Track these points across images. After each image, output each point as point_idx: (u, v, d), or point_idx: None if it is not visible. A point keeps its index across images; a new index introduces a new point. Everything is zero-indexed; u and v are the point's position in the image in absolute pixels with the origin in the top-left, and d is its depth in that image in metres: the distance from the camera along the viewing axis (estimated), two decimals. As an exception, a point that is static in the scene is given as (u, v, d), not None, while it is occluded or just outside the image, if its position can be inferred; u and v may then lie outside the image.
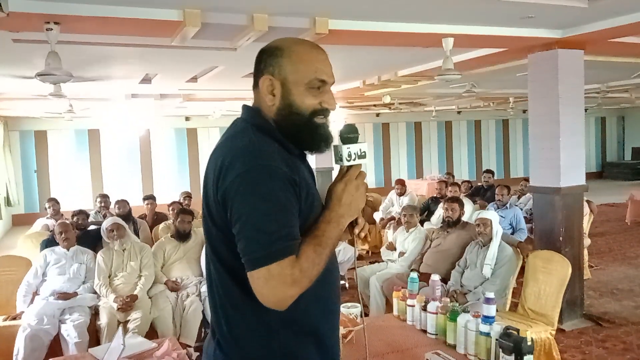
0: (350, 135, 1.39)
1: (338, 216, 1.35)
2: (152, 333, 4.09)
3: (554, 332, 3.59)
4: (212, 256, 1.40)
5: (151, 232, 6.08)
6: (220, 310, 1.40)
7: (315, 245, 1.29)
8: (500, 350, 2.38)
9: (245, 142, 1.32)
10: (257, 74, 1.41)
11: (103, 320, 4.08)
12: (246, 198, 1.25)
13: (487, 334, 2.48)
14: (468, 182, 8.87)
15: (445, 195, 7.06)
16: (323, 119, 1.40)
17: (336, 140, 1.42)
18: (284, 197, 1.27)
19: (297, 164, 1.38)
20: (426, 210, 7.23)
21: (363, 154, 1.38)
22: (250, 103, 1.48)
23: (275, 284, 1.23)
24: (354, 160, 1.37)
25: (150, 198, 6.79)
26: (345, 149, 1.36)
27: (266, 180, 1.26)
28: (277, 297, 1.25)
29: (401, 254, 5.18)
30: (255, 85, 1.42)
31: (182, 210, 5.20)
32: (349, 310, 2.96)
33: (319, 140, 1.40)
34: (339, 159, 1.38)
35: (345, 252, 5.61)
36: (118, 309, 4.12)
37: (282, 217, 1.26)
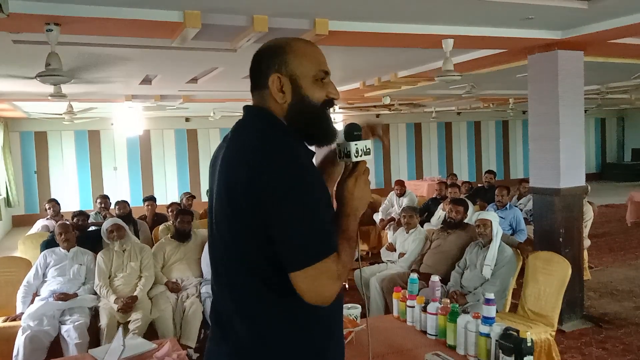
0: (355, 132, 1.42)
1: (354, 209, 1.37)
2: (152, 334, 4.08)
3: (553, 333, 3.59)
4: (238, 264, 1.36)
5: (151, 233, 6.08)
6: (241, 318, 1.37)
7: (346, 239, 1.34)
8: (500, 351, 2.37)
9: (268, 144, 1.32)
10: (260, 76, 1.39)
11: (103, 321, 4.08)
12: (286, 200, 1.24)
13: (487, 335, 2.47)
14: (468, 183, 8.87)
15: (445, 197, 7.06)
16: (329, 110, 1.44)
17: (340, 139, 1.45)
18: (319, 194, 1.30)
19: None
20: (426, 211, 7.23)
21: (368, 150, 1.41)
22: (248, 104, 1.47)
23: (323, 281, 1.26)
24: (361, 156, 1.40)
25: (150, 199, 6.79)
26: (353, 146, 1.39)
27: (304, 179, 1.27)
28: (326, 294, 1.28)
29: (401, 254, 5.18)
30: (257, 88, 1.41)
31: (181, 210, 5.20)
32: (349, 311, 2.95)
33: (330, 132, 1.42)
34: (346, 155, 1.41)
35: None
36: (118, 310, 4.12)
37: (324, 215, 1.29)
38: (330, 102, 1.42)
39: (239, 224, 1.32)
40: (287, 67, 1.36)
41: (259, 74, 1.40)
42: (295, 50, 1.38)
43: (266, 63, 1.38)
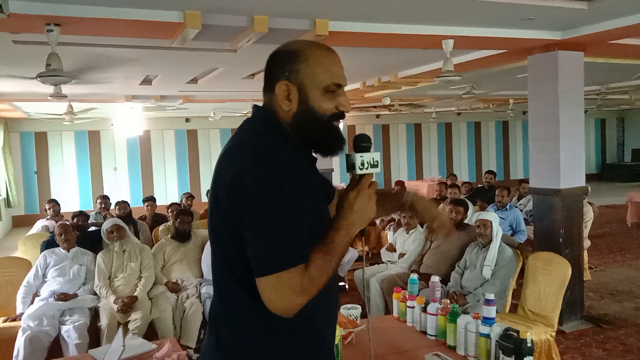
0: (363, 144, 1.37)
1: (348, 224, 1.32)
2: (152, 334, 4.09)
3: (553, 334, 3.59)
4: (222, 263, 1.37)
5: (151, 233, 6.08)
6: (225, 317, 1.38)
7: (325, 253, 1.28)
8: (500, 351, 2.37)
9: (262, 146, 1.31)
10: (271, 78, 1.37)
11: (103, 321, 4.08)
12: (262, 204, 1.23)
13: (487, 336, 2.47)
14: (468, 183, 8.88)
15: (445, 197, 7.06)
16: (338, 122, 1.40)
17: (347, 149, 1.41)
18: (299, 204, 1.26)
19: (311, 170, 1.39)
20: (426, 212, 7.21)
21: (376, 163, 1.36)
22: (259, 103, 1.46)
23: (284, 292, 1.23)
24: (367, 169, 1.35)
25: (150, 199, 6.80)
26: (359, 158, 1.35)
27: (283, 187, 1.24)
28: (285, 305, 1.25)
29: (401, 255, 5.18)
30: (267, 89, 1.39)
31: (181, 210, 5.20)
32: (349, 311, 2.95)
33: (335, 143, 1.39)
34: (351, 167, 1.36)
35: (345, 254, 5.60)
36: (118, 310, 4.12)
37: (296, 225, 1.25)
38: (339, 115, 1.38)
39: (222, 223, 1.32)
40: (297, 75, 1.33)
41: (270, 76, 1.38)
42: (310, 59, 1.34)
43: (278, 67, 1.36)
